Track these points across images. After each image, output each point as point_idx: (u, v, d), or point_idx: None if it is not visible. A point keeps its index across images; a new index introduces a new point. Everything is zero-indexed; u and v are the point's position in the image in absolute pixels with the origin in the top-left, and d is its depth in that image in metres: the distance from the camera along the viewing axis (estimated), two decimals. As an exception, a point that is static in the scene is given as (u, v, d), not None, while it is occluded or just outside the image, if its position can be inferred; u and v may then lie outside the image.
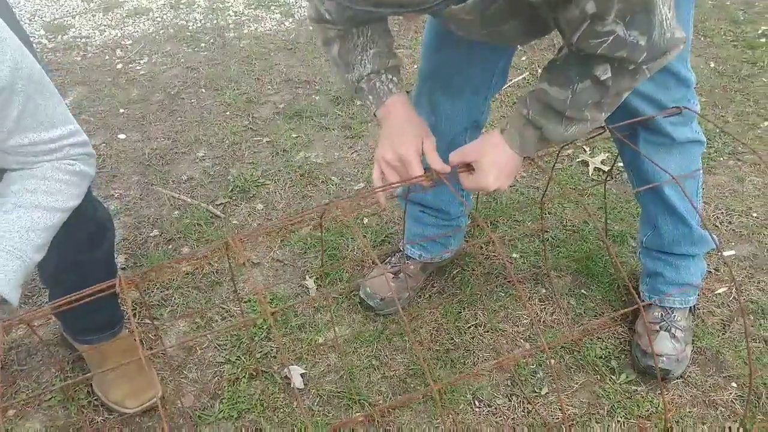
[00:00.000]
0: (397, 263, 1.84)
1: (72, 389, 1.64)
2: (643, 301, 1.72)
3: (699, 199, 1.67)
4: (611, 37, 1.02)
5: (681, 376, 1.61)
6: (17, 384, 1.65)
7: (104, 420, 1.57)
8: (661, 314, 1.66)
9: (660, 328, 1.64)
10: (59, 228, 1.38)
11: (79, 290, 1.52)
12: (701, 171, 1.63)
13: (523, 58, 2.91)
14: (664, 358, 1.59)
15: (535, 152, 1.27)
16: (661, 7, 1.00)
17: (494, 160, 1.26)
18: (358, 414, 1.57)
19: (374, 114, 1.34)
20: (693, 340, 1.68)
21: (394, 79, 1.32)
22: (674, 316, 1.66)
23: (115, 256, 1.96)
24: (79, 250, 1.48)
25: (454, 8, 1.07)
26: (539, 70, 2.81)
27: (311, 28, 1.31)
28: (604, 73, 1.10)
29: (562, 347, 1.69)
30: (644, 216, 1.67)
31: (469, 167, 1.30)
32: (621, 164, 2.24)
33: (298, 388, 1.62)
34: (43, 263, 1.55)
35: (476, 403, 1.58)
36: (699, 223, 1.61)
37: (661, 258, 1.66)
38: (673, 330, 1.63)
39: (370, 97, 1.32)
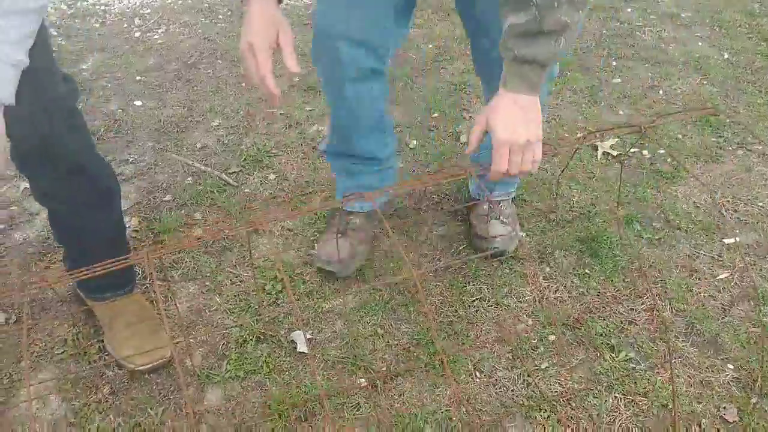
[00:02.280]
0: (339, 223, 1.83)
1: (84, 344, 1.68)
2: (472, 197, 2.01)
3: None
4: None
5: (513, 253, 1.89)
6: (31, 337, 1.70)
7: (114, 375, 1.61)
8: (489, 206, 1.90)
9: (490, 217, 1.88)
10: (70, 177, 1.42)
11: (92, 248, 1.57)
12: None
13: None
14: (498, 239, 1.84)
15: (541, 83, 1.24)
16: None
17: (501, 113, 1.23)
18: (361, 380, 1.61)
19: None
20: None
21: None
22: (501, 206, 1.91)
23: (129, 218, 2.00)
24: (90, 207, 1.52)
25: None
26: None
27: None
28: None
29: (563, 324, 1.72)
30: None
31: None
32: (632, 150, 2.27)
33: (303, 353, 1.66)
34: (55, 222, 1.60)
35: (477, 374, 1.62)
36: None
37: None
38: (501, 218, 1.88)
39: None
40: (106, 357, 1.64)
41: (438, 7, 3.20)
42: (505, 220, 1.89)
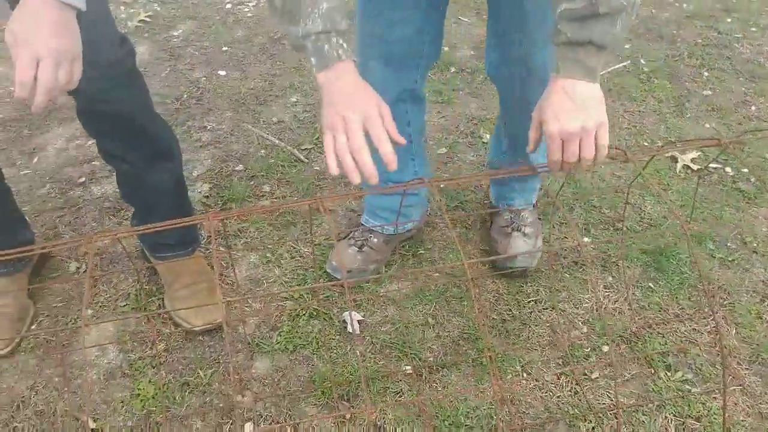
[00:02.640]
0: (359, 237, 1.83)
1: (145, 300, 1.75)
2: (493, 206, 1.94)
3: None
4: None
5: (536, 269, 1.83)
6: (97, 287, 1.78)
7: (170, 332, 1.67)
8: (511, 216, 1.84)
9: (511, 229, 1.82)
10: (129, 137, 1.47)
11: (155, 206, 1.62)
12: None
13: (627, 46, 2.83)
14: (520, 258, 1.78)
15: (601, 68, 1.18)
16: None
17: (550, 103, 1.17)
18: (407, 367, 1.61)
19: (314, 72, 1.17)
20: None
21: (345, 45, 1.14)
22: (522, 215, 1.85)
23: (201, 184, 2.06)
24: (150, 166, 1.56)
25: None
26: (642, 60, 2.73)
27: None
28: None
29: (619, 336, 1.67)
30: (500, 137, 1.79)
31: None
32: (713, 165, 2.18)
33: (352, 333, 1.67)
34: (120, 180, 1.66)
35: (524, 375, 1.60)
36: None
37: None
38: (523, 229, 1.83)
39: (313, 59, 1.15)
40: (165, 315, 1.70)
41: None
42: (527, 231, 1.83)
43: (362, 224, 1.86)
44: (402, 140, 1.14)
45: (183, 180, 1.69)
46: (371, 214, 1.84)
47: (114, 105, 1.41)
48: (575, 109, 1.15)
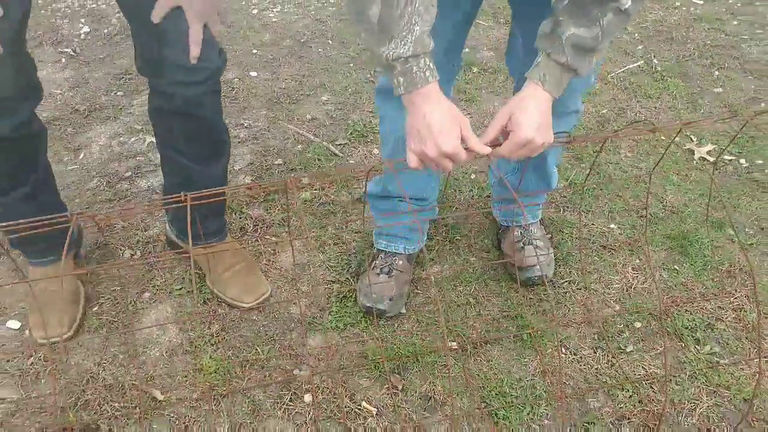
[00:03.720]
0: (383, 264, 1.82)
1: (200, 283, 1.84)
2: (500, 227, 1.97)
3: (561, 154, 1.90)
4: None
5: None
6: (153, 272, 1.87)
7: (226, 313, 1.76)
8: (520, 232, 1.89)
9: (523, 244, 1.87)
10: (196, 133, 1.57)
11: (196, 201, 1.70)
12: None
13: (639, 47, 2.96)
14: (537, 266, 1.81)
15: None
16: None
17: (530, 111, 1.27)
18: (452, 342, 1.71)
19: (398, 95, 1.23)
20: (556, 247, 1.97)
21: (431, 65, 1.20)
22: (531, 229, 1.90)
23: (243, 177, 2.16)
24: (204, 158, 1.64)
25: None
26: (654, 60, 2.85)
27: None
28: (627, 1, 1.19)
29: (649, 314, 1.77)
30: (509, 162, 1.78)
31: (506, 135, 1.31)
32: (727, 157, 2.30)
33: (400, 313, 1.77)
34: (172, 173, 1.73)
35: (563, 350, 1.69)
36: (552, 170, 1.80)
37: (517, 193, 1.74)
38: (534, 242, 1.88)
39: (401, 78, 1.20)
40: (219, 296, 1.79)
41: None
42: (538, 243, 1.88)
43: (382, 250, 1.85)
44: (487, 150, 1.26)
45: (227, 175, 1.77)
46: (391, 237, 1.84)
47: (202, 109, 1.51)
48: (546, 126, 1.28)
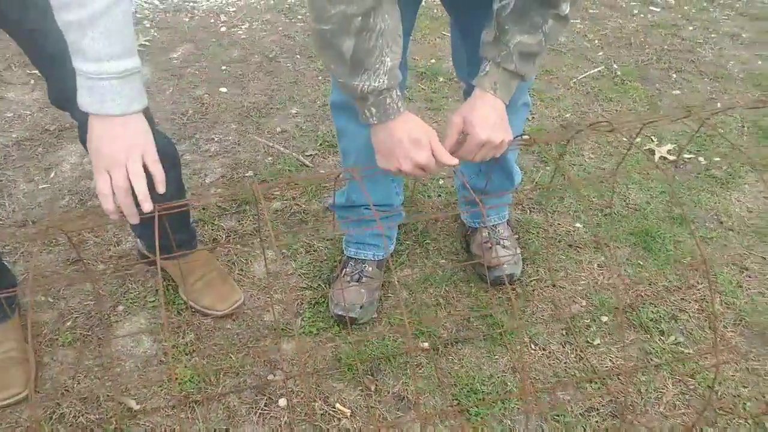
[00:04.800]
0: (353, 271, 1.84)
1: (173, 294, 1.85)
2: (468, 229, 2.00)
3: (518, 153, 1.98)
4: None
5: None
6: (126, 285, 1.88)
7: (199, 323, 1.78)
8: (488, 233, 1.94)
9: (491, 244, 1.91)
10: None
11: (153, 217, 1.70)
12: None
13: (600, 53, 3.04)
14: (505, 265, 1.87)
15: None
16: None
17: (481, 114, 1.33)
18: (424, 343, 1.74)
19: (369, 124, 1.29)
20: (523, 246, 2.02)
21: (401, 95, 1.27)
22: (498, 230, 1.95)
23: (214, 189, 2.18)
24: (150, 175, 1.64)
25: None
26: (614, 65, 2.93)
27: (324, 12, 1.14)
28: (566, 8, 1.27)
29: (615, 308, 1.82)
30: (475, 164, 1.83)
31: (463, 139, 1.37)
32: (687, 156, 2.37)
33: (372, 317, 1.80)
34: None
35: (532, 345, 1.73)
36: (515, 169, 1.86)
37: (482, 195, 1.82)
38: (502, 242, 1.93)
39: (373, 109, 1.25)
40: (190, 307, 1.80)
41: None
42: (506, 243, 1.92)
43: (351, 257, 1.88)
44: (455, 161, 1.32)
45: (183, 185, 1.77)
46: (359, 245, 1.86)
47: None
48: (501, 125, 1.35)
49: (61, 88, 1.42)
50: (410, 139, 1.27)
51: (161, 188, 1.21)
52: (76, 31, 1.08)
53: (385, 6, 1.17)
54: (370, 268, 1.85)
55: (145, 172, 1.18)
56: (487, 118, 1.34)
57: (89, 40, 1.08)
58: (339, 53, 1.18)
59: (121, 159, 1.14)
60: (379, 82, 1.21)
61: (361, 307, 1.77)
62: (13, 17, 1.32)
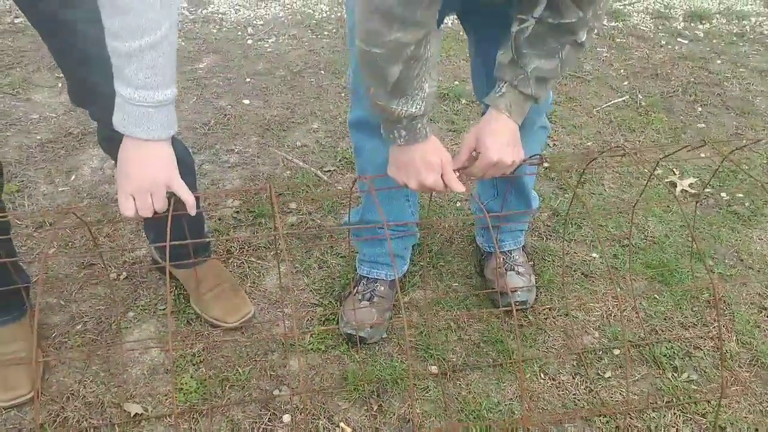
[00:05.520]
0: (365, 290, 1.83)
1: (183, 304, 1.85)
2: (483, 253, 1.98)
3: (535, 178, 1.94)
4: None
5: (533, 304, 1.88)
6: (138, 292, 1.88)
7: (208, 333, 1.77)
8: (503, 258, 1.93)
9: (505, 269, 1.90)
10: None
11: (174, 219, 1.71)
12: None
13: (625, 83, 3.02)
14: (519, 292, 1.84)
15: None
16: None
17: (494, 134, 1.36)
18: (433, 367, 1.72)
19: (396, 144, 1.33)
20: (538, 274, 1.98)
21: (429, 122, 1.33)
22: (513, 256, 1.92)
23: (231, 200, 2.19)
24: None
25: None
26: (639, 95, 2.91)
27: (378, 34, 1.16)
28: (583, 35, 1.30)
29: (628, 341, 1.79)
30: (491, 184, 1.84)
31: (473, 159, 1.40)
32: (709, 190, 2.34)
33: (382, 337, 1.79)
34: None
35: (542, 375, 1.71)
36: (532, 194, 1.86)
37: (498, 217, 1.82)
38: (516, 268, 1.90)
39: (403, 132, 1.29)
40: (203, 317, 1.80)
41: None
42: (520, 269, 1.90)
43: (364, 276, 1.87)
44: (462, 188, 1.35)
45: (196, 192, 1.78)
46: (372, 264, 1.85)
47: None
48: (513, 145, 1.37)
49: (81, 86, 1.44)
50: (424, 161, 1.32)
51: (192, 212, 1.27)
52: (123, 58, 1.12)
53: (432, 34, 1.20)
54: (382, 288, 1.84)
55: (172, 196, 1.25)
56: (500, 138, 1.36)
57: (134, 70, 1.13)
58: (383, 77, 1.21)
59: (146, 187, 1.21)
60: (416, 108, 1.25)
61: (371, 327, 1.75)
62: (61, 16, 1.34)
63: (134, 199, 1.21)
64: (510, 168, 1.38)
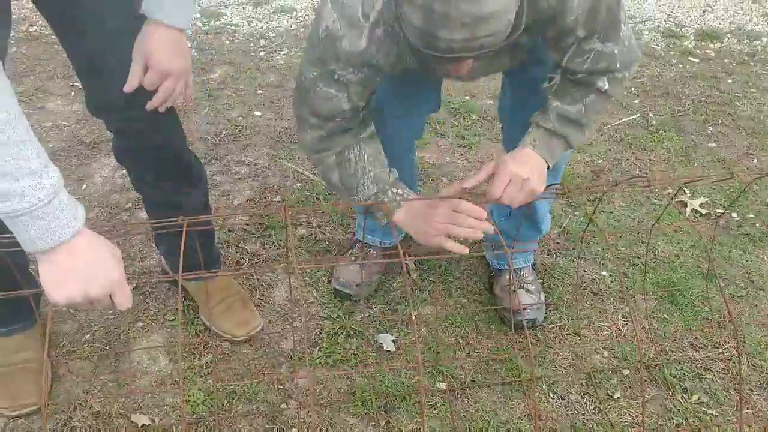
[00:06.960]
0: (358, 253, 1.98)
1: (192, 315, 1.85)
2: (493, 270, 1.99)
3: (551, 202, 2.01)
4: (593, 53, 1.33)
5: (543, 322, 1.88)
6: (147, 303, 1.89)
7: (216, 345, 1.77)
8: (513, 276, 1.93)
9: (515, 287, 1.91)
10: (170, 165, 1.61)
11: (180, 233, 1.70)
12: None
13: (636, 101, 3.02)
14: (528, 310, 1.85)
15: (555, 159, 1.46)
16: (623, 24, 1.32)
17: (523, 159, 1.40)
18: (441, 383, 1.71)
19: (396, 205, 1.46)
20: (548, 291, 1.98)
21: (399, 190, 1.45)
22: (523, 274, 1.94)
23: (240, 212, 2.19)
24: (181, 193, 1.64)
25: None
26: (650, 114, 2.91)
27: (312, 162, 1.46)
28: (603, 84, 1.39)
29: (638, 361, 1.78)
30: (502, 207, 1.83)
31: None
32: (719, 211, 2.33)
33: (388, 351, 1.78)
34: (152, 208, 1.74)
35: (551, 394, 1.70)
36: (545, 220, 1.88)
37: (509, 240, 1.83)
38: (525, 286, 1.92)
39: (386, 198, 1.45)
40: (212, 329, 1.80)
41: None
42: (530, 287, 1.92)
43: (359, 240, 1.99)
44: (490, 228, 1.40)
45: (209, 205, 1.78)
46: (368, 231, 1.95)
47: (161, 138, 1.52)
48: (536, 174, 1.40)
49: (99, 96, 1.45)
50: (427, 213, 1.42)
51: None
52: None
53: (360, 144, 1.41)
54: (375, 253, 1.97)
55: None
56: (521, 159, 1.41)
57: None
58: (333, 184, 1.47)
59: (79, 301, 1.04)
60: (369, 190, 1.44)
61: (357, 285, 1.87)
62: (92, 22, 1.34)
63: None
64: (535, 191, 1.41)
